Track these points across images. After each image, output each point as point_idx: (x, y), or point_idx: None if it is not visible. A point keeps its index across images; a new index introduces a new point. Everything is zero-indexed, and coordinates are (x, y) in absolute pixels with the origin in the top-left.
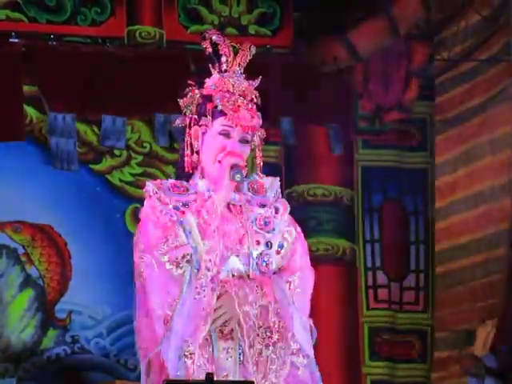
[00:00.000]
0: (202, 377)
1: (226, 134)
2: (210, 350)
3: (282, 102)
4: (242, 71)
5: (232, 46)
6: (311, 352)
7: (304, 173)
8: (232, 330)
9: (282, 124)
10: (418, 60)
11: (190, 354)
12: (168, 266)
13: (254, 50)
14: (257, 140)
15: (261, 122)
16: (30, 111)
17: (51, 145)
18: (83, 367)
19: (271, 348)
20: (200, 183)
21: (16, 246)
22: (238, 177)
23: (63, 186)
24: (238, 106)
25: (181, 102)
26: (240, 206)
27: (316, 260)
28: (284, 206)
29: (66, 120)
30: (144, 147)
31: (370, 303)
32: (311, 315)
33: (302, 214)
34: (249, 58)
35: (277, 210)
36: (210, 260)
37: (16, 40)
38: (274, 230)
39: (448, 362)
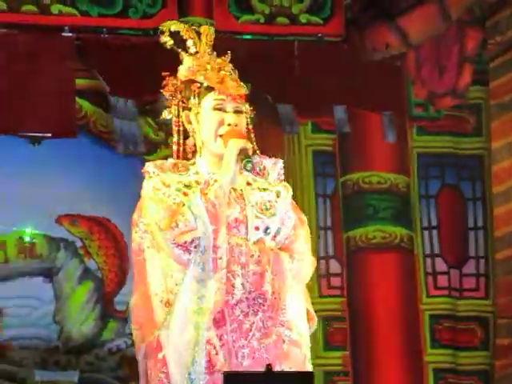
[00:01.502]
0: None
1: (220, 108)
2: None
3: (334, 90)
4: (211, 50)
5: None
6: (305, 330)
7: (358, 161)
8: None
9: (336, 112)
10: (471, 45)
11: (209, 340)
12: (177, 251)
13: (213, 29)
14: (247, 107)
15: (246, 88)
16: (84, 104)
17: (115, 127)
18: None
19: (260, 315)
20: (203, 166)
21: (74, 239)
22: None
23: (119, 177)
24: (223, 78)
25: (164, 91)
26: (241, 189)
27: (374, 248)
28: (286, 190)
29: (128, 104)
30: None
31: (429, 290)
32: (371, 303)
33: (358, 202)
34: (213, 35)
35: (278, 194)
36: (220, 247)
37: (69, 34)
38: (274, 215)
39: (510, 350)
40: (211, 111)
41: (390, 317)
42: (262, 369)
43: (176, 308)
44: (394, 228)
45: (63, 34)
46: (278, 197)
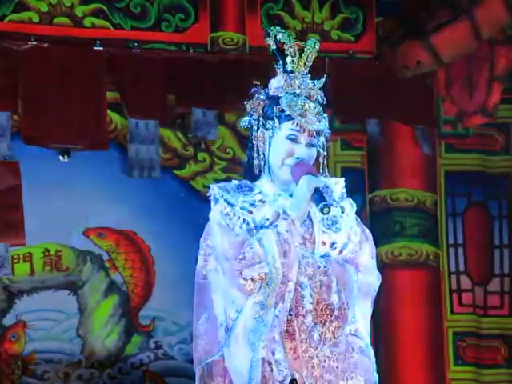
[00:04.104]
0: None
1: (294, 139)
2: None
3: (366, 105)
4: (308, 71)
5: (297, 45)
6: (368, 340)
7: (387, 177)
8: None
9: (369, 125)
10: (502, 64)
11: (263, 359)
12: (242, 282)
13: (318, 46)
14: (322, 139)
15: (327, 123)
16: (115, 117)
17: (130, 152)
18: (167, 373)
19: (328, 325)
20: (266, 184)
21: (101, 253)
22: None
23: (147, 191)
24: (305, 110)
25: (247, 104)
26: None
27: (400, 264)
28: (350, 206)
29: (149, 126)
30: (227, 153)
31: (454, 307)
32: (396, 319)
33: (386, 218)
34: (314, 55)
35: (343, 210)
36: (291, 280)
37: (100, 48)
38: (340, 229)
39: None
40: (284, 139)
41: (414, 333)
42: (332, 378)
43: (235, 330)
44: (421, 245)
45: (94, 48)
46: (342, 212)
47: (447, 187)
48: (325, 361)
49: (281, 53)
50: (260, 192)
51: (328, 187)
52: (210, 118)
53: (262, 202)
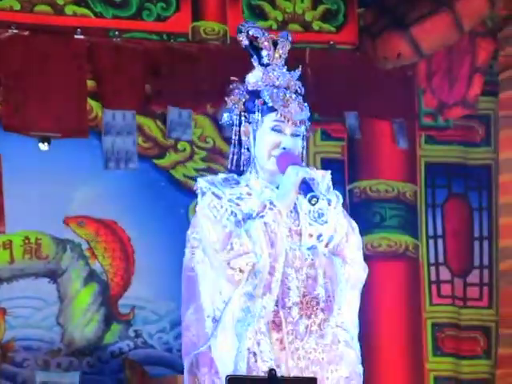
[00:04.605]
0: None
1: (279, 130)
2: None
3: (346, 97)
4: (284, 62)
5: (271, 38)
6: (356, 334)
7: (367, 168)
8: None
9: (348, 119)
10: (482, 56)
11: (248, 349)
12: (230, 272)
13: (291, 37)
14: (303, 130)
15: (309, 113)
16: (95, 106)
17: (105, 144)
18: (146, 362)
19: (313, 317)
20: (252, 178)
21: (80, 241)
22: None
23: (127, 180)
24: (287, 101)
25: (228, 99)
26: (294, 202)
27: (379, 256)
28: (336, 198)
29: (126, 117)
30: (207, 142)
31: (433, 299)
32: (375, 310)
33: (366, 209)
34: (288, 47)
35: (329, 202)
36: (277, 270)
37: (81, 36)
38: (326, 222)
39: None
40: (269, 131)
41: (393, 324)
42: (317, 370)
43: (223, 320)
44: (401, 236)
45: (75, 36)
46: (329, 205)
47: (427, 179)
48: (310, 352)
49: (255, 47)
50: (247, 185)
51: (314, 180)
52: (185, 118)
53: (249, 194)
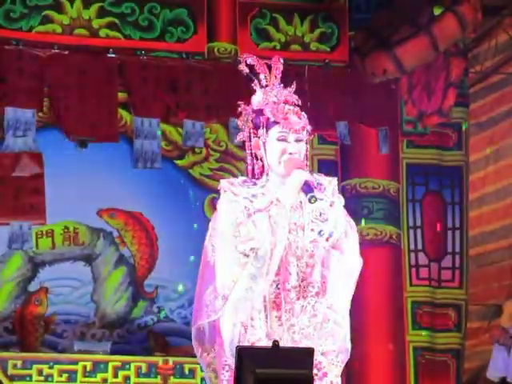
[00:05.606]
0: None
1: (283, 139)
2: (264, 319)
3: (338, 108)
4: (279, 81)
5: (265, 63)
6: (347, 315)
7: (357, 168)
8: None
9: (339, 127)
10: (455, 73)
11: (242, 322)
12: (237, 255)
13: (281, 60)
14: (305, 135)
15: (307, 120)
16: (125, 114)
17: (135, 146)
18: (168, 333)
19: (309, 299)
20: (267, 181)
21: (111, 230)
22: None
23: (152, 178)
24: (286, 113)
25: (238, 121)
26: (300, 201)
27: (367, 243)
28: (338, 200)
29: (152, 124)
30: (221, 146)
31: (412, 280)
32: (363, 290)
33: (356, 203)
34: (281, 68)
35: (332, 204)
36: (276, 255)
37: (113, 55)
38: (327, 220)
39: (479, 332)
40: (275, 141)
41: (378, 301)
42: (309, 343)
43: (230, 298)
44: (385, 226)
45: (108, 55)
46: (331, 206)
47: (408, 177)
48: (303, 328)
49: (255, 73)
50: (262, 186)
51: (322, 184)
52: (198, 129)
53: (263, 194)
